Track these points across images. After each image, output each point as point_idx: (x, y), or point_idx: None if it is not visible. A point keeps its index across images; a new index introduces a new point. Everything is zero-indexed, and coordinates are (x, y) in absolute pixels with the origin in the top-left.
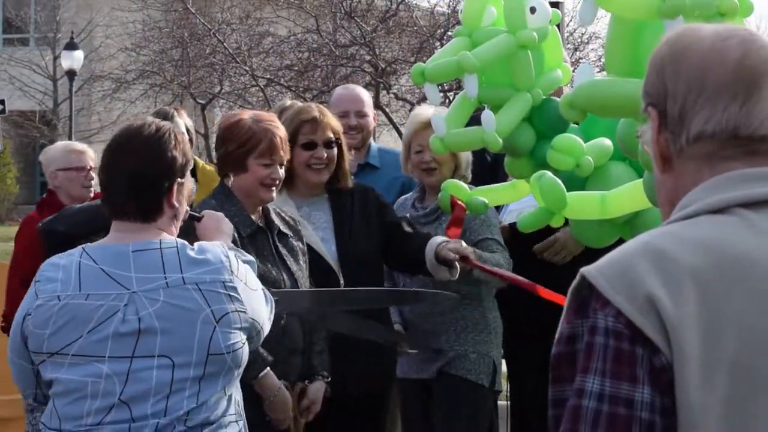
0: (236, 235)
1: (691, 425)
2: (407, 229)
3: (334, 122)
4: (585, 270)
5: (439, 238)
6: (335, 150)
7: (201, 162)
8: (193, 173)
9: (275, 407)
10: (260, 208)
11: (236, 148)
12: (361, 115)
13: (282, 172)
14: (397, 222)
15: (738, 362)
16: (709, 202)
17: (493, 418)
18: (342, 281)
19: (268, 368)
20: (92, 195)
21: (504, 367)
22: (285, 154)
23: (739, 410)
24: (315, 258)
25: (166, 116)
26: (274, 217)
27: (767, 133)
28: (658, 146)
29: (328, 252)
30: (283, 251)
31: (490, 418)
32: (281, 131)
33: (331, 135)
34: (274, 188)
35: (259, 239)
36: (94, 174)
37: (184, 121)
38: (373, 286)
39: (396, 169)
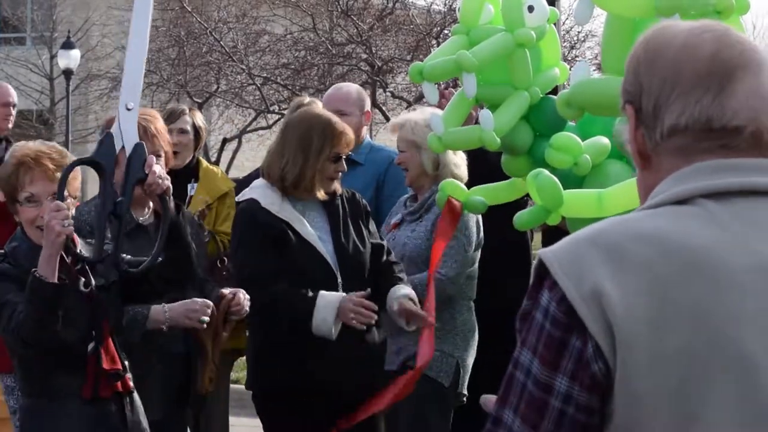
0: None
1: (637, 415)
2: (381, 256)
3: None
4: (542, 252)
5: (401, 290)
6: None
7: (204, 162)
8: (195, 172)
9: (180, 322)
10: (150, 203)
11: None
12: (341, 114)
13: (161, 162)
14: (375, 243)
15: (689, 352)
16: (673, 192)
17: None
18: (340, 280)
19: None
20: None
21: None
22: (157, 146)
23: (690, 399)
24: (314, 256)
25: (174, 113)
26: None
27: (741, 124)
28: (636, 143)
29: (326, 251)
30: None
31: (450, 418)
32: (153, 123)
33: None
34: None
35: (139, 236)
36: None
37: (194, 120)
38: (367, 285)
39: (379, 166)
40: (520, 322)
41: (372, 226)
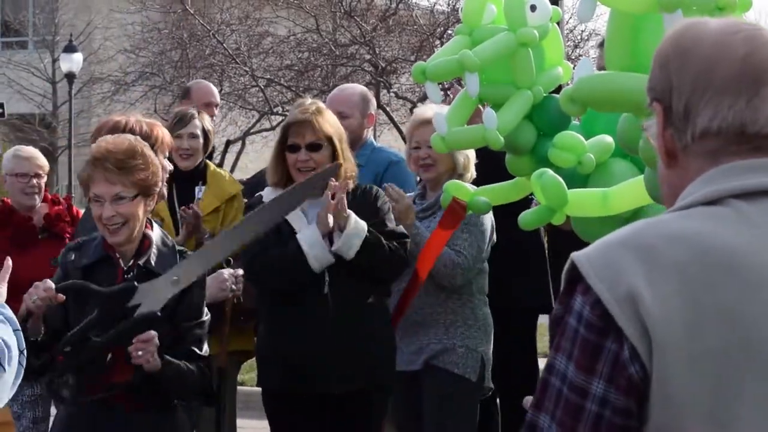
0: None
1: (673, 417)
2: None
3: (326, 124)
4: (575, 255)
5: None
6: (324, 152)
7: (212, 165)
8: (203, 175)
9: (216, 295)
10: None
11: None
12: (343, 116)
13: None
14: (384, 230)
15: (723, 352)
16: (703, 193)
17: (494, 414)
18: (327, 278)
19: None
20: (37, 202)
21: None
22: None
23: (726, 400)
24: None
25: (184, 117)
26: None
27: None
28: (664, 141)
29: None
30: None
31: (477, 413)
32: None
33: (317, 137)
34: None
35: None
36: (37, 181)
37: (203, 123)
38: (360, 284)
39: (378, 167)
40: (552, 327)
41: (383, 216)
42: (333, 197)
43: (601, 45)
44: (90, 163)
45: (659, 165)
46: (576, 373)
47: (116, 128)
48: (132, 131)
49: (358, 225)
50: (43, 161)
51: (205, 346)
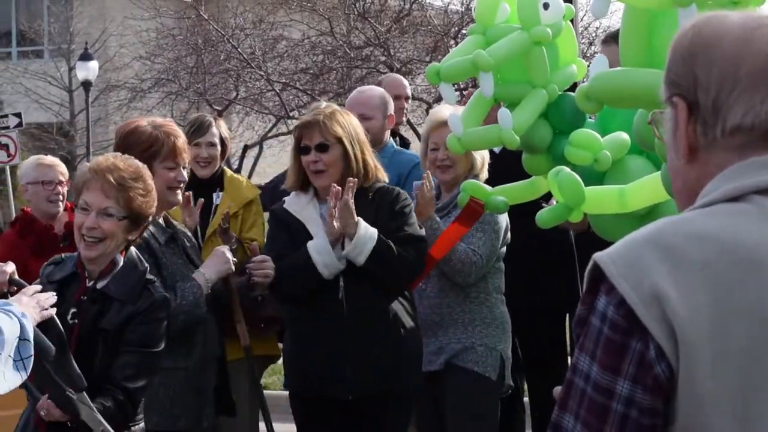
0: (154, 242)
1: (700, 416)
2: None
3: (336, 125)
4: (597, 255)
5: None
6: (333, 153)
7: (229, 171)
8: (220, 181)
9: (220, 272)
10: (163, 212)
11: (140, 154)
12: (364, 118)
13: (185, 174)
14: (400, 235)
15: (750, 350)
16: (725, 190)
17: (519, 412)
18: (342, 283)
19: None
20: (60, 210)
21: None
22: (186, 158)
23: (751, 398)
24: None
25: (202, 125)
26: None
27: None
28: (686, 136)
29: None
30: (190, 251)
31: (498, 411)
32: (181, 135)
33: (325, 138)
34: (179, 190)
35: (171, 247)
36: (62, 188)
37: (220, 131)
38: (374, 286)
39: (401, 168)
40: (576, 327)
41: (402, 220)
42: (335, 204)
43: (604, 41)
44: (91, 170)
45: (670, 159)
46: (600, 373)
47: (137, 132)
48: (152, 137)
49: (368, 231)
50: (64, 169)
51: (140, 382)
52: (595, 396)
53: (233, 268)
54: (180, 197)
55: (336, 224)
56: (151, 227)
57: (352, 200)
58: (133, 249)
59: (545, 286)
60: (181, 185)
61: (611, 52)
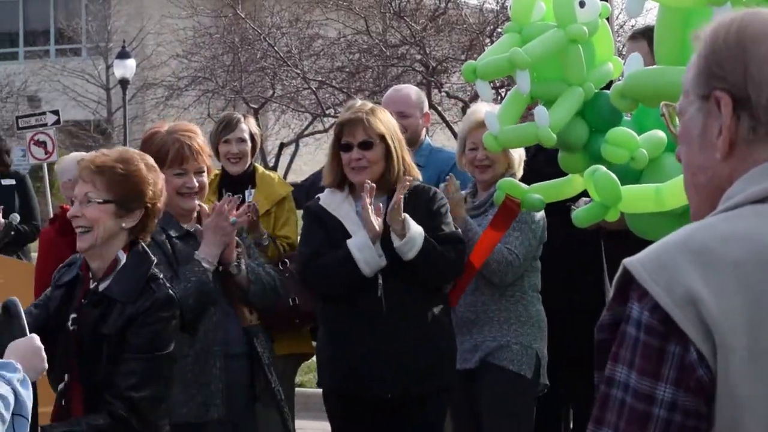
0: (165, 236)
1: (738, 418)
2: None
3: (378, 122)
4: (627, 261)
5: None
6: (376, 150)
7: (260, 168)
8: (252, 179)
9: (218, 245)
10: (195, 215)
11: None
12: (403, 116)
13: (200, 180)
14: (439, 234)
15: None
16: (751, 192)
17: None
18: (380, 281)
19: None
20: None
21: None
22: (200, 163)
23: None
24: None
25: (231, 122)
26: None
27: None
28: (729, 131)
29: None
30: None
31: (534, 409)
32: (195, 140)
33: (369, 135)
34: (192, 196)
35: (190, 242)
36: None
37: (249, 127)
38: (413, 285)
39: (440, 167)
40: (598, 332)
41: (440, 220)
42: (371, 201)
43: (631, 37)
44: (78, 164)
45: (693, 154)
46: (639, 380)
47: (153, 138)
48: (160, 143)
49: (417, 227)
50: None
51: (146, 391)
52: (636, 404)
53: (228, 236)
54: (194, 203)
55: (376, 222)
56: (161, 223)
57: (402, 199)
58: (143, 247)
59: (582, 284)
60: (192, 191)
61: (639, 48)
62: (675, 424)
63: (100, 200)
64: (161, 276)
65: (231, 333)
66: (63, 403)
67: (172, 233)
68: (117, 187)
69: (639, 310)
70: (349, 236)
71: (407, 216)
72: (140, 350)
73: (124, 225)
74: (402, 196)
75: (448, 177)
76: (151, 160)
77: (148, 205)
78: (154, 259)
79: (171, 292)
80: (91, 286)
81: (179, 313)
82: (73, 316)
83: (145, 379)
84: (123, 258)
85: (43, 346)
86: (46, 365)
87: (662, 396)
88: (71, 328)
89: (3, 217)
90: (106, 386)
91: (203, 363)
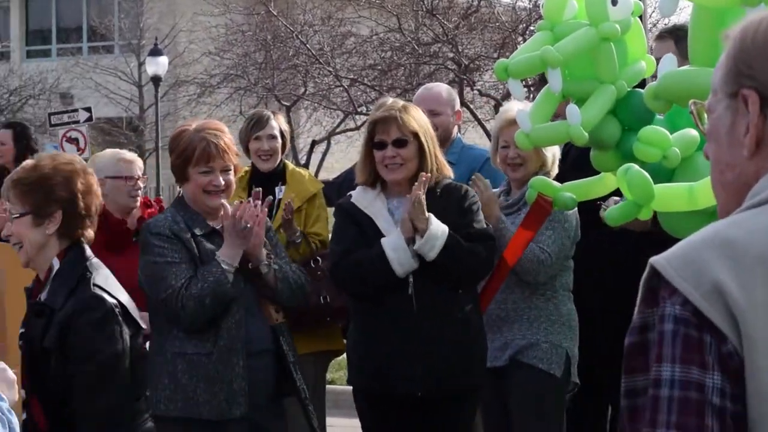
0: (191, 234)
1: (763, 409)
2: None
3: (412, 120)
4: (654, 260)
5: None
6: (410, 148)
7: (291, 165)
8: (282, 176)
9: (238, 246)
10: (222, 213)
11: (177, 158)
12: (434, 114)
13: (226, 178)
14: (469, 232)
15: None
16: None
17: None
18: (411, 279)
19: None
20: (138, 203)
21: None
22: (227, 161)
23: None
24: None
25: (261, 119)
26: None
27: None
28: (756, 129)
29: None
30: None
31: (564, 408)
32: (222, 139)
33: (403, 133)
34: (218, 195)
35: (215, 240)
36: (141, 183)
37: (279, 124)
38: (443, 283)
39: (472, 164)
40: (630, 335)
41: (471, 217)
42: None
43: (659, 36)
44: None
45: (720, 151)
46: (686, 371)
47: (180, 136)
48: (186, 142)
49: (439, 226)
50: (141, 164)
51: (99, 402)
52: (687, 395)
53: (245, 240)
54: (220, 201)
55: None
56: (187, 221)
57: (424, 196)
58: (83, 245)
59: (614, 284)
60: (219, 189)
61: (665, 48)
62: (727, 410)
63: (17, 214)
64: (93, 274)
65: (256, 331)
66: (26, 416)
67: (197, 231)
68: (29, 198)
69: (671, 306)
70: (381, 234)
71: (431, 215)
72: (79, 361)
73: (47, 232)
74: (420, 193)
75: (474, 176)
76: (66, 159)
77: (65, 205)
78: (91, 258)
79: (97, 291)
80: (39, 297)
81: (120, 311)
82: (21, 330)
83: (94, 391)
84: (57, 264)
85: (15, 378)
86: (17, 396)
87: (712, 383)
88: (19, 342)
89: None
90: (66, 400)
91: (226, 361)
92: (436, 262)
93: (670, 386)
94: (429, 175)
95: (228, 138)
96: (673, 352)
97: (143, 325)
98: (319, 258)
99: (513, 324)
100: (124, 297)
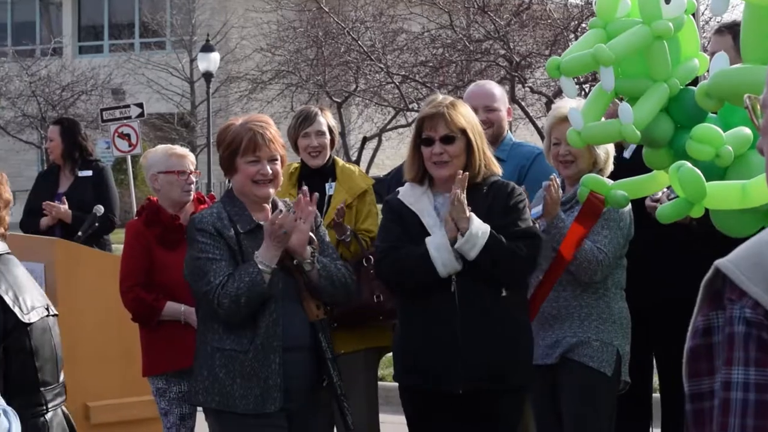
0: (233, 231)
1: None
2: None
3: (459, 117)
4: (719, 262)
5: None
6: (458, 144)
7: (341, 161)
8: (332, 172)
9: (275, 250)
10: (268, 206)
11: (224, 150)
12: (490, 110)
13: (273, 168)
14: (514, 230)
15: None
16: None
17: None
18: (454, 277)
19: None
20: (192, 198)
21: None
22: (273, 151)
23: None
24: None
25: (309, 115)
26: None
27: None
28: None
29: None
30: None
31: (615, 407)
32: (268, 130)
33: (450, 130)
34: (266, 184)
35: (259, 236)
36: (194, 177)
37: (327, 120)
38: (486, 280)
39: (521, 161)
40: (693, 338)
41: (516, 215)
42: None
43: (717, 31)
44: None
45: None
46: (761, 374)
47: (227, 130)
48: (233, 134)
49: (480, 226)
50: (194, 159)
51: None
52: (762, 397)
53: (284, 241)
54: (268, 191)
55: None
56: (232, 216)
57: (464, 194)
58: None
59: (669, 281)
60: (267, 178)
61: (724, 43)
62: None
63: None
64: None
65: (295, 327)
66: None
67: (241, 228)
68: None
69: (740, 309)
70: (426, 231)
71: (473, 214)
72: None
73: None
74: (458, 192)
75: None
76: None
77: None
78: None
79: None
80: None
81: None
82: None
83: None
84: None
85: None
86: None
87: None
88: None
89: (73, 208)
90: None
91: (263, 359)
92: (477, 262)
93: (744, 389)
94: (466, 173)
95: (274, 129)
96: (746, 356)
97: (24, 320)
98: (371, 257)
99: (564, 322)
100: (30, 295)
